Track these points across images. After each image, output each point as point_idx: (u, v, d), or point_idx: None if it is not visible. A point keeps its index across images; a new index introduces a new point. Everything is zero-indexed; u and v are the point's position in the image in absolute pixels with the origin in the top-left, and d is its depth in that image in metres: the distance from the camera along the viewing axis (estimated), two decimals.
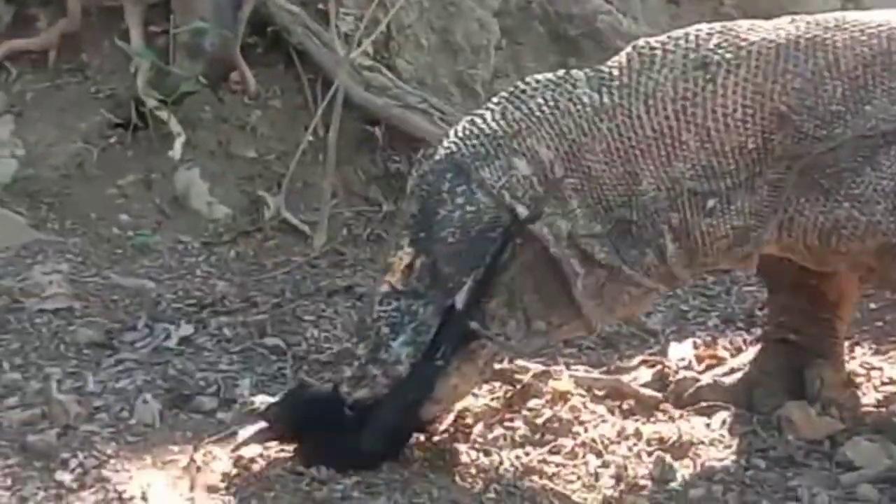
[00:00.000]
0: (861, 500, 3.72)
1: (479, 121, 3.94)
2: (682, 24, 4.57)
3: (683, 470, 3.96)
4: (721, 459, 4.00)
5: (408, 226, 3.94)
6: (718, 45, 3.87)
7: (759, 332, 4.79)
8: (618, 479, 3.93)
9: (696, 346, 4.80)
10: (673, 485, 3.88)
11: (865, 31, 3.89)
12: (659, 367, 4.61)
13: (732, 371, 4.51)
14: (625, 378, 4.60)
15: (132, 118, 6.73)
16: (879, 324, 4.94)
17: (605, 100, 3.88)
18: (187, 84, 6.59)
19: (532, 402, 4.33)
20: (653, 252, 3.88)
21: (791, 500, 3.76)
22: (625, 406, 4.40)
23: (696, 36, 3.92)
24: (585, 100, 3.89)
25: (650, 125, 3.85)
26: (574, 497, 3.85)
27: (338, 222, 6.50)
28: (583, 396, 4.41)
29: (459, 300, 3.81)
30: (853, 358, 4.60)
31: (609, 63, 3.98)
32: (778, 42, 3.86)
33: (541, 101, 3.91)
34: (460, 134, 3.91)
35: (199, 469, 4.08)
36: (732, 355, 4.71)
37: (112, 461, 4.19)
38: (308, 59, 6.84)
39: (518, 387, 4.40)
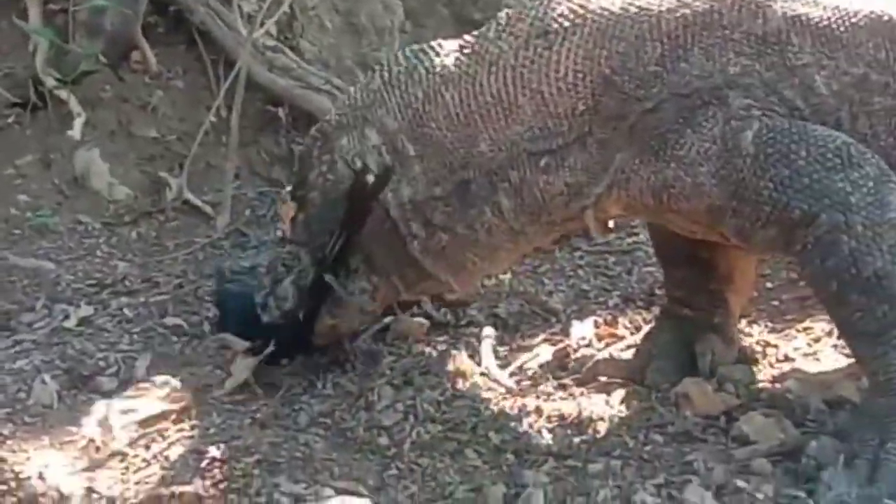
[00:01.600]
0: (755, 474, 3.74)
1: (351, 90, 4.39)
2: None
3: (583, 446, 3.94)
4: (619, 435, 4.01)
5: (293, 182, 4.46)
6: (561, 14, 4.02)
7: (657, 310, 4.80)
8: (517, 454, 3.92)
9: (596, 325, 4.83)
10: (571, 461, 3.87)
11: None
12: (560, 345, 4.61)
13: (629, 348, 4.54)
14: (525, 356, 4.59)
15: (30, 98, 6.59)
16: (776, 303, 4.97)
17: (453, 68, 4.10)
18: (87, 63, 6.52)
19: (433, 380, 4.35)
20: (490, 210, 4.10)
21: (687, 473, 3.76)
22: (525, 383, 4.39)
23: (547, 4, 4.07)
24: (438, 69, 4.12)
25: (489, 91, 4.04)
26: (476, 473, 3.83)
27: (241, 203, 6.47)
28: (483, 374, 4.40)
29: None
30: (750, 335, 4.64)
31: (476, 32, 4.19)
32: (612, 10, 3.99)
33: (401, 69, 4.19)
34: (336, 104, 4.38)
35: (97, 449, 4.02)
36: (632, 333, 4.74)
37: (9, 442, 4.16)
38: (210, 39, 6.79)
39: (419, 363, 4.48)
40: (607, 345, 4.65)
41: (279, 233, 4.53)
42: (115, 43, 6.68)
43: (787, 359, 4.49)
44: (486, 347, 4.61)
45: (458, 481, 3.84)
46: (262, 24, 6.43)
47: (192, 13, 6.75)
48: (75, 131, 6.41)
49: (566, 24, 3.98)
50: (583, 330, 4.78)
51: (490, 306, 5.09)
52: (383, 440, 4.10)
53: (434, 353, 4.63)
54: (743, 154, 3.77)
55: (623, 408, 4.20)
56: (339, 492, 3.74)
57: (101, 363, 4.75)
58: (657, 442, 3.97)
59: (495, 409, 4.24)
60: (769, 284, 5.09)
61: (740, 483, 3.70)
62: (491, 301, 5.14)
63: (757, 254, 4.34)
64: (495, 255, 4.24)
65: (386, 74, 4.20)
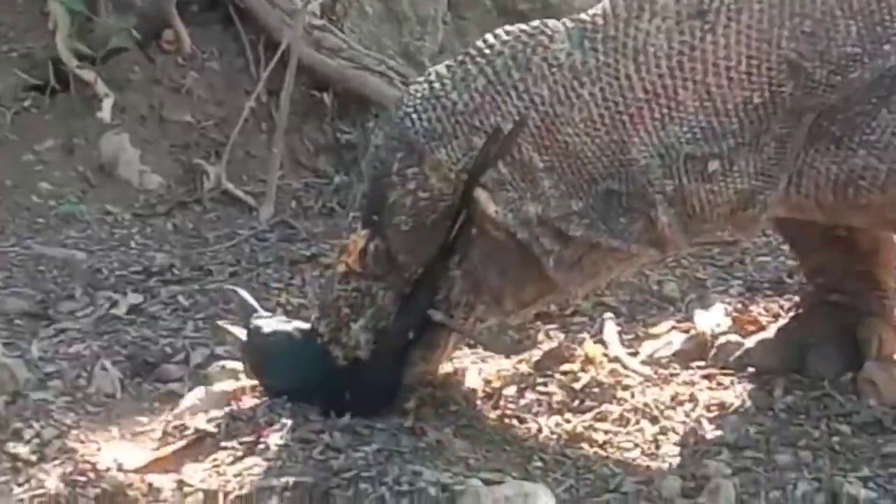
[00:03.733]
0: None
1: (437, 87, 3.46)
2: None
3: (759, 436, 3.39)
4: (798, 424, 3.49)
5: (361, 206, 3.55)
6: None
7: (794, 298, 4.27)
8: (682, 445, 3.36)
9: (727, 313, 4.26)
10: (751, 451, 3.32)
11: None
12: (693, 331, 4.06)
13: (778, 335, 3.99)
14: (655, 344, 4.04)
15: (49, 80, 6.00)
16: None
17: (589, 58, 3.39)
18: (119, 38, 5.95)
19: (565, 367, 3.84)
20: (643, 221, 3.42)
21: (892, 466, 3.23)
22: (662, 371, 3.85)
23: None
24: (563, 59, 3.40)
25: (641, 86, 3.36)
26: (636, 464, 3.28)
27: (285, 194, 5.91)
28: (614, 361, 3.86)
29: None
30: None
31: (591, 11, 3.46)
32: None
33: (509, 62, 3.43)
34: (415, 105, 3.45)
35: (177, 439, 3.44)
36: (771, 321, 4.18)
37: (74, 432, 3.62)
38: (250, 18, 6.23)
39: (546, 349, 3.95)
40: (747, 333, 4.08)
41: (341, 267, 3.54)
42: (146, 20, 6.14)
43: None
44: (612, 334, 4.06)
45: (622, 473, 3.28)
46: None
47: None
48: (104, 113, 5.85)
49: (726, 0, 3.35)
50: (712, 318, 4.23)
51: (595, 295, 4.50)
52: (517, 431, 3.48)
53: (553, 341, 4.02)
54: None
55: (790, 397, 3.64)
56: (487, 483, 3.12)
57: (168, 349, 4.13)
58: (845, 433, 3.47)
59: (641, 398, 3.64)
60: None
61: None
62: (593, 294, 4.56)
63: None
64: (632, 263, 3.61)
65: (490, 70, 3.43)
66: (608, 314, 4.31)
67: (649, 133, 3.38)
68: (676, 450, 3.45)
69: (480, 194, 3.37)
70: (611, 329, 4.14)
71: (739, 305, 4.43)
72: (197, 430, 3.53)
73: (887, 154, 3.32)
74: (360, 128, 6.14)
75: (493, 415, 3.65)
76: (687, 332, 4.18)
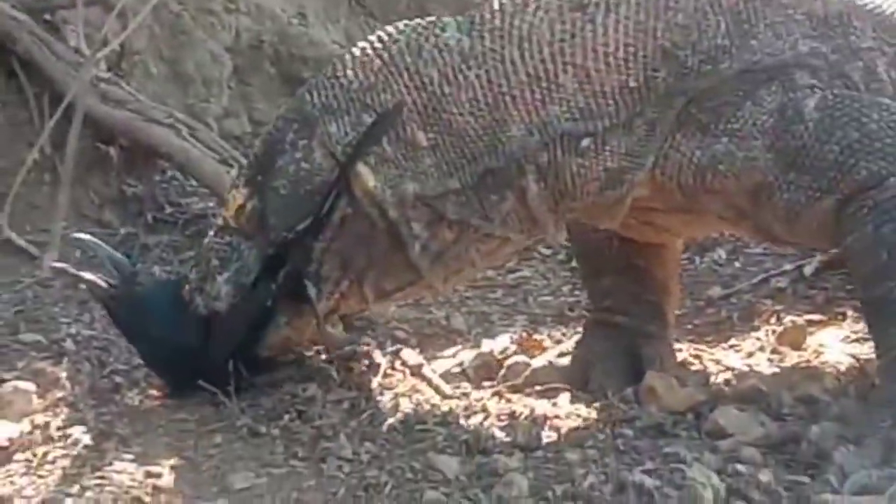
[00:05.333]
0: (747, 462, 3.39)
1: (338, 67, 3.72)
2: None
3: (548, 439, 3.53)
4: (585, 429, 3.64)
5: (249, 164, 3.82)
6: None
7: (577, 327, 4.46)
8: (482, 451, 3.47)
9: (512, 339, 4.42)
10: (541, 452, 3.45)
11: None
12: (484, 351, 4.20)
13: (564, 355, 4.18)
14: (446, 363, 4.17)
15: None
16: (689, 326, 4.70)
17: (476, 44, 3.63)
18: None
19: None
20: (513, 195, 3.64)
21: (674, 462, 3.38)
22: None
23: None
24: (453, 45, 3.64)
25: (524, 69, 3.59)
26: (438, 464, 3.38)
27: (69, 244, 5.79)
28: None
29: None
30: (680, 351, 4.33)
31: (481, 8, 3.71)
32: None
33: (404, 48, 3.68)
34: (317, 82, 3.72)
35: None
36: (555, 346, 4.35)
37: None
38: (35, 70, 6.14)
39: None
40: (533, 355, 4.23)
41: (219, 220, 3.82)
42: None
43: (728, 368, 4.16)
44: (410, 354, 4.14)
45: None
46: (100, 50, 5.84)
47: (14, 42, 6.10)
48: None
49: None
50: (498, 344, 4.37)
51: (387, 329, 4.61)
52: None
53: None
54: (805, 121, 3.52)
55: (576, 406, 3.81)
56: None
57: None
58: (628, 436, 3.62)
59: (436, 409, 3.75)
60: (677, 312, 4.76)
61: (739, 467, 3.30)
62: (384, 326, 4.66)
63: (786, 242, 3.98)
64: (499, 251, 3.80)
65: (385, 54, 3.67)
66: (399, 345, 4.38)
67: (529, 112, 3.59)
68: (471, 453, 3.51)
69: (362, 168, 3.58)
70: (408, 352, 4.21)
71: (525, 333, 4.55)
72: None
73: (745, 143, 3.55)
74: (146, 180, 6.11)
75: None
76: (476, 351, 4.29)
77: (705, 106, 3.57)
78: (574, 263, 5.33)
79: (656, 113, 3.58)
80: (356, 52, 3.72)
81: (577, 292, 5.11)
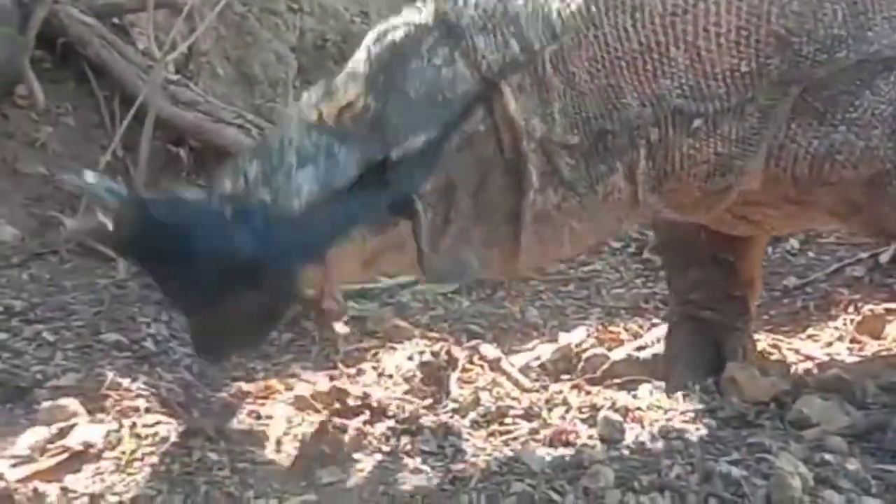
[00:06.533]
0: (833, 451, 3.38)
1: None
2: None
3: (631, 431, 3.52)
4: (667, 420, 3.62)
5: (368, 64, 3.41)
6: None
7: (653, 319, 4.45)
8: (563, 442, 3.48)
9: (589, 332, 4.42)
10: (625, 444, 3.45)
11: None
12: (562, 345, 4.20)
13: (643, 348, 4.16)
14: (525, 357, 4.17)
15: None
16: (766, 317, 4.69)
17: (591, 7, 3.50)
18: None
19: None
20: (622, 167, 3.51)
21: (759, 452, 3.37)
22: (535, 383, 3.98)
23: None
24: (573, 6, 3.51)
25: (637, 38, 3.49)
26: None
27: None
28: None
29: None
30: (759, 341, 4.31)
31: None
32: None
33: None
34: (454, 3, 3.47)
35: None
36: (632, 339, 4.34)
37: None
38: (105, 73, 6.24)
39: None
40: (610, 347, 4.23)
41: (314, 114, 3.33)
42: None
43: (808, 358, 4.14)
44: (489, 349, 4.15)
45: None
46: (169, 53, 5.90)
47: (85, 46, 6.19)
48: None
49: None
50: (575, 337, 4.37)
51: (462, 324, 4.63)
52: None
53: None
54: None
55: (657, 398, 3.81)
56: None
57: (39, 376, 4.11)
58: (711, 426, 3.61)
59: (517, 403, 3.75)
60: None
61: (827, 456, 3.29)
62: (458, 320, 4.69)
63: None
64: (587, 238, 3.68)
65: None
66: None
67: (642, 83, 3.48)
68: (555, 444, 3.52)
69: (506, 89, 3.41)
70: (486, 346, 4.22)
71: (601, 326, 4.55)
72: (76, 445, 3.52)
73: (865, 132, 3.49)
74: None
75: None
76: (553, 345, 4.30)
77: (822, 95, 3.51)
78: (646, 255, 5.33)
79: (769, 100, 3.51)
80: None
81: (650, 284, 5.11)
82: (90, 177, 3.29)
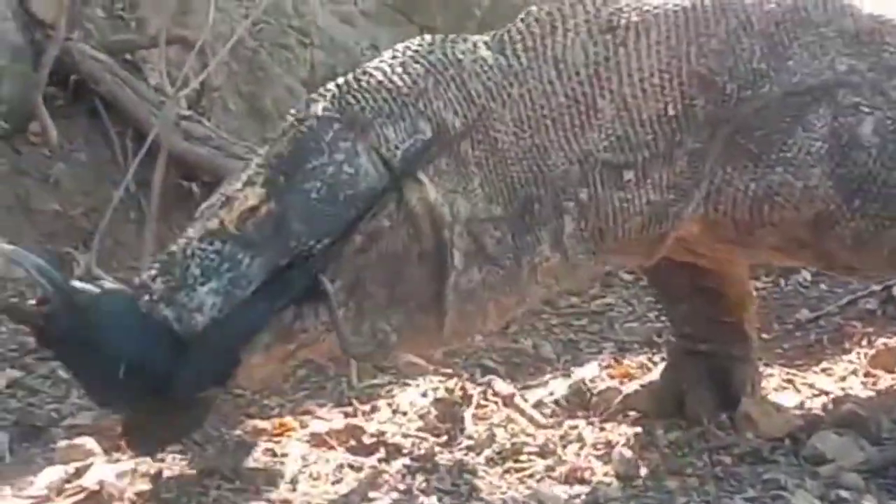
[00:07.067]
0: (849, 488, 3.38)
1: (376, 74, 3.39)
2: None
3: (646, 467, 3.53)
4: (683, 456, 3.64)
5: (268, 165, 3.29)
6: (620, 10, 3.51)
7: (663, 354, 4.46)
8: (578, 480, 3.49)
9: (601, 367, 4.43)
10: (640, 480, 3.46)
11: None
12: (575, 379, 4.21)
13: (653, 382, 4.17)
14: (539, 392, 4.18)
15: None
16: (779, 350, 4.70)
17: (514, 62, 3.44)
18: None
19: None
20: (548, 236, 3.41)
21: (773, 489, 3.38)
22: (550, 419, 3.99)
23: (593, 2, 3.56)
24: (491, 61, 3.43)
25: (562, 91, 3.43)
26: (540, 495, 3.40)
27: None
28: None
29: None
30: (772, 375, 4.32)
31: (504, 30, 3.54)
32: (684, 4, 3.55)
33: (442, 58, 3.42)
34: (359, 85, 3.36)
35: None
36: (645, 373, 4.35)
37: None
38: (117, 109, 6.25)
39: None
40: (622, 382, 4.23)
41: (212, 223, 3.23)
42: (12, 112, 6.09)
43: (822, 392, 4.14)
44: (501, 385, 4.16)
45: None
46: (181, 89, 5.92)
47: (97, 82, 6.21)
48: None
49: (634, 18, 3.49)
50: (588, 372, 4.38)
51: (475, 359, 4.64)
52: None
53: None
54: (865, 147, 3.46)
55: (673, 434, 3.79)
56: None
57: (54, 415, 4.12)
58: (726, 463, 3.62)
59: (532, 439, 3.76)
60: (766, 336, 4.76)
61: (842, 493, 3.29)
62: (471, 355, 4.69)
63: (851, 269, 3.83)
64: (522, 299, 3.50)
65: (425, 61, 3.39)
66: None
67: (569, 140, 3.42)
68: (570, 482, 3.53)
69: (424, 178, 3.30)
70: (500, 383, 4.23)
71: (613, 361, 4.56)
72: (92, 485, 3.52)
73: (802, 171, 3.47)
74: None
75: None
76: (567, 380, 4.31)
77: (754, 136, 3.46)
78: None
79: (698, 143, 3.46)
80: (390, 58, 3.43)
81: (662, 318, 5.10)
82: (23, 258, 3.30)
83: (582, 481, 3.50)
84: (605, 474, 3.55)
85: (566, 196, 3.41)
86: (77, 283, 3.27)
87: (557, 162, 3.40)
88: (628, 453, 3.62)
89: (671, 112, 3.44)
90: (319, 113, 3.33)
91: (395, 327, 3.37)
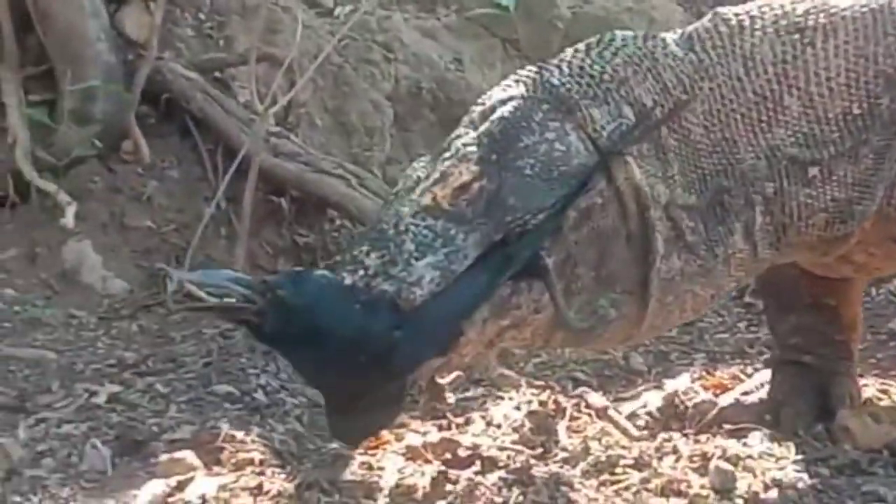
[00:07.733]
0: None
1: (575, 62, 3.48)
2: None
3: (743, 480, 3.53)
4: (780, 469, 3.62)
5: (479, 143, 3.32)
6: (808, 12, 3.57)
7: (756, 366, 4.45)
8: (675, 492, 3.49)
9: (693, 379, 4.43)
10: (738, 493, 3.45)
11: None
12: (668, 391, 4.22)
13: (748, 393, 4.16)
14: (632, 405, 4.19)
15: (9, 192, 6.09)
16: (873, 360, 4.66)
17: (703, 58, 3.51)
18: (81, 148, 6.04)
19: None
20: (741, 228, 3.47)
21: (873, 500, 3.36)
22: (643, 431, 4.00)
23: (781, 5, 3.62)
24: (682, 56, 3.51)
25: (751, 87, 3.49)
26: None
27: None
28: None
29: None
30: (866, 386, 4.29)
31: (689, 29, 3.62)
32: (871, 6, 3.59)
33: (637, 51, 3.49)
34: (560, 72, 3.44)
35: None
36: (738, 385, 4.35)
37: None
38: (207, 127, 6.37)
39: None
40: (716, 394, 4.23)
41: (425, 199, 3.25)
42: (106, 131, 6.23)
43: None
44: (596, 397, 4.18)
45: None
46: (271, 106, 6.02)
47: (188, 101, 6.32)
48: (68, 219, 5.88)
49: (822, 20, 3.55)
50: (681, 383, 4.38)
51: (567, 372, 4.66)
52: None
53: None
54: None
55: (769, 445, 3.79)
56: None
57: (155, 429, 4.19)
58: (824, 475, 3.60)
59: (627, 452, 3.77)
60: (859, 346, 4.72)
61: None
62: (562, 367, 4.72)
63: None
64: (714, 291, 3.55)
65: (622, 55, 3.47)
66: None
67: (756, 134, 3.48)
68: (666, 495, 3.53)
69: (629, 159, 3.36)
70: (593, 395, 4.25)
71: (705, 372, 4.56)
72: (194, 499, 3.59)
73: None
74: (317, 231, 6.28)
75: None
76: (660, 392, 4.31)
77: None
78: (748, 299, 5.32)
79: (882, 141, 3.50)
80: (581, 54, 3.50)
81: (753, 329, 5.11)
82: (206, 276, 3.30)
83: (679, 494, 3.49)
84: (702, 487, 3.54)
85: (755, 189, 3.47)
86: (270, 278, 3.22)
87: (745, 156, 3.47)
88: (725, 466, 3.60)
89: (857, 111, 3.50)
90: (525, 94, 3.41)
91: (613, 303, 3.42)
